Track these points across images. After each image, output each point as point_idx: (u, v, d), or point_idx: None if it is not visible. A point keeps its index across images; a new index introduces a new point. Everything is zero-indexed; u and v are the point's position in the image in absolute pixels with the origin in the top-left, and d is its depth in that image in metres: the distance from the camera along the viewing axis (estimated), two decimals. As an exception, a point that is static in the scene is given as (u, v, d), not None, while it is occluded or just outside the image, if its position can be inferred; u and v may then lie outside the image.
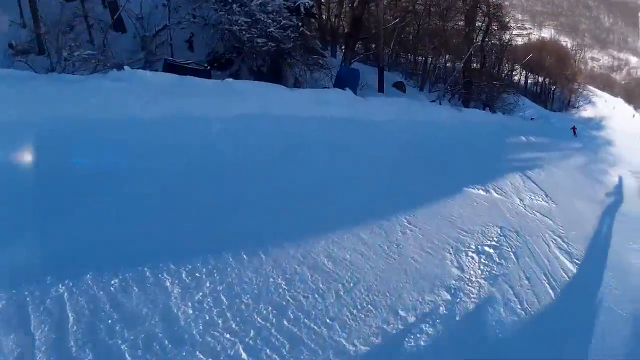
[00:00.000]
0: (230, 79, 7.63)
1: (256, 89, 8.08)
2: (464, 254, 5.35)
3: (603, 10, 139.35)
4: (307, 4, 12.66)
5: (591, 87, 78.82)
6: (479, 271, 5.04)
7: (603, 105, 68.43)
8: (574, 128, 34.05)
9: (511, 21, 31.79)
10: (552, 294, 5.07)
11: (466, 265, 5.08)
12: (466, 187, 8.03)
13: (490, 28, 28.30)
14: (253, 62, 12.26)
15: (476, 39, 27.24)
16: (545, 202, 8.88)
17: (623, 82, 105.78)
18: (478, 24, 27.82)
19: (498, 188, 8.67)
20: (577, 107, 63.85)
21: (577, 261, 6.18)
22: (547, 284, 5.24)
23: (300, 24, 12.53)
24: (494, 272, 5.12)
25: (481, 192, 8.04)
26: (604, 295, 5.45)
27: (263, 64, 12.47)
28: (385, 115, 10.83)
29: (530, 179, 10.62)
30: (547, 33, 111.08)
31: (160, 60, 10.71)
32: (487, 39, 28.77)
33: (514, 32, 32.97)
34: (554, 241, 6.72)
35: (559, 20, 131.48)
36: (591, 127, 44.75)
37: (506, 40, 31.78)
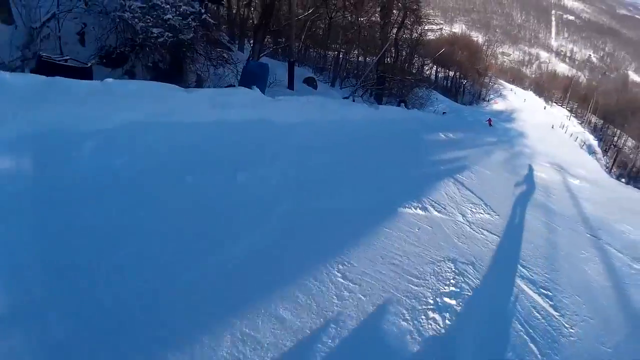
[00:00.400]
0: (111, 80, 5.69)
1: (145, 90, 6.19)
2: (422, 316, 4.01)
3: (515, 7, 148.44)
4: (212, -14, 10.71)
5: (502, 81, 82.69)
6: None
7: (514, 98, 71.85)
8: (489, 120, 34.79)
9: (424, 16, 31.45)
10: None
11: (430, 335, 3.76)
12: (401, 206, 6.76)
13: (405, 22, 27.60)
14: (149, 57, 10.31)
15: (390, 32, 26.42)
16: (488, 214, 7.87)
17: (533, 75, 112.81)
18: (394, 17, 26.96)
19: (435, 202, 7.51)
20: (488, 101, 66.49)
21: (550, 300, 5.09)
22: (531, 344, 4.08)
23: (203, 10, 10.83)
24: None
25: (419, 210, 6.80)
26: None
27: (161, 60, 10.55)
28: (298, 116, 9.41)
29: (463, 185, 9.68)
30: (458, 28, 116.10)
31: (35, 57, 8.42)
32: (402, 33, 28.19)
33: (427, 27, 32.69)
34: (516, 272, 5.62)
35: (471, 16, 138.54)
36: (503, 119, 46.31)
37: (419, 34, 31.46)
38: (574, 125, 47.39)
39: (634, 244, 8.57)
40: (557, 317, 4.80)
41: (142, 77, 9.89)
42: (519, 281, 5.37)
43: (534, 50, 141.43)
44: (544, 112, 62.25)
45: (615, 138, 47.11)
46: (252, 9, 21.03)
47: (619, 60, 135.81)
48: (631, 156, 42.24)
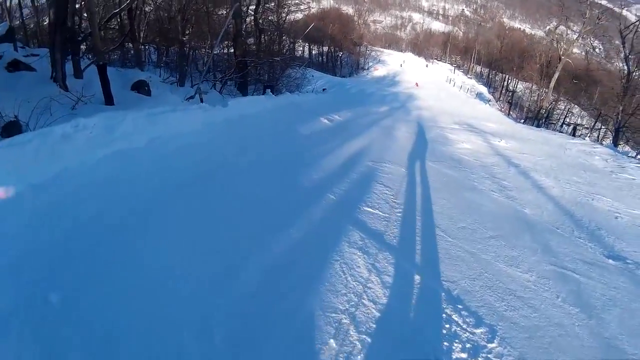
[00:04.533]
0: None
1: None
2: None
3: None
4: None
5: (378, 48, 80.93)
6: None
7: (393, 62, 69.81)
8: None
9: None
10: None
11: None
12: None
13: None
14: None
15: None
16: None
17: (409, 37, 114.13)
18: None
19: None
20: (368, 69, 63.93)
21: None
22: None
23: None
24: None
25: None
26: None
27: None
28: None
29: (370, 222, 5.57)
30: (327, 3, 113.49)
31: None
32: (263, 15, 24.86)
33: (292, 8, 28.78)
34: None
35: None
36: (387, 84, 42.59)
37: (285, 15, 27.28)
38: (461, 79, 45.38)
39: None
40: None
41: None
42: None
43: (405, 14, 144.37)
44: (428, 70, 60.61)
45: (505, 83, 45.82)
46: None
47: (492, 10, 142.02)
48: (524, 97, 40.88)
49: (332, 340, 3.35)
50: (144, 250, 4.15)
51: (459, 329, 3.66)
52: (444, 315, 3.81)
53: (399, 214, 5.77)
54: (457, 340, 3.52)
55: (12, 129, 6.56)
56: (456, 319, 3.78)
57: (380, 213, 5.72)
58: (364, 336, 3.41)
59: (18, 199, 4.46)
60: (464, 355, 3.38)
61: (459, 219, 5.89)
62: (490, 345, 3.51)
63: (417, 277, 4.32)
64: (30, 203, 4.45)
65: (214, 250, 4.33)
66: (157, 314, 3.37)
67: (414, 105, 24.14)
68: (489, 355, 3.40)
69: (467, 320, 3.78)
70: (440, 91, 33.10)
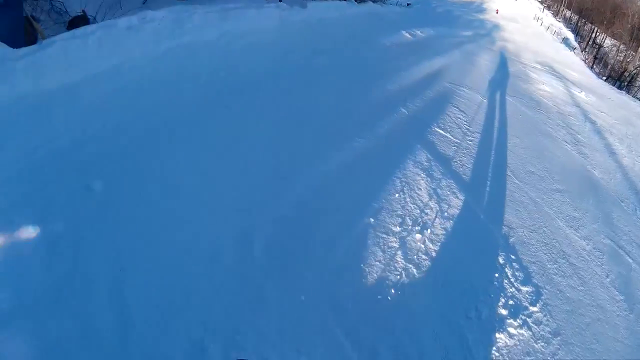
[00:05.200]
0: None
1: None
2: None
3: None
4: None
5: (470, -32, 72.49)
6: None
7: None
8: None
9: None
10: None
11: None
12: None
13: None
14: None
15: None
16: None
17: None
18: None
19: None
20: (454, -12, 57.40)
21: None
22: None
23: None
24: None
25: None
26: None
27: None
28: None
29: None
30: None
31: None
32: None
33: None
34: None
35: None
36: (474, 10, 38.34)
37: None
38: (549, 20, 40.24)
39: None
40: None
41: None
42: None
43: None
44: (516, 4, 53.98)
45: (593, 35, 40.41)
46: None
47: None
48: (610, 55, 36.13)
49: (377, 263, 2.92)
50: (196, 149, 3.74)
51: (506, 281, 3.21)
52: (496, 263, 3.29)
53: (470, 142, 5.15)
54: (502, 294, 3.09)
55: (79, 23, 5.86)
56: (507, 270, 3.35)
57: (452, 137, 5.10)
58: (410, 266, 2.98)
59: (75, 89, 4.00)
60: (504, 312, 2.99)
61: (528, 162, 5.21)
62: (531, 308, 3.12)
63: (476, 215, 3.77)
64: (88, 92, 4.00)
65: (270, 154, 3.88)
66: (198, 215, 3.04)
67: (499, 36, 21.70)
68: (527, 319, 3.04)
69: (516, 274, 3.33)
70: (527, 28, 29.61)
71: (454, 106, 6.18)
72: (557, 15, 51.76)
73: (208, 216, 3.03)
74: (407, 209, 3.61)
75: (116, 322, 2.24)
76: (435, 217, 3.60)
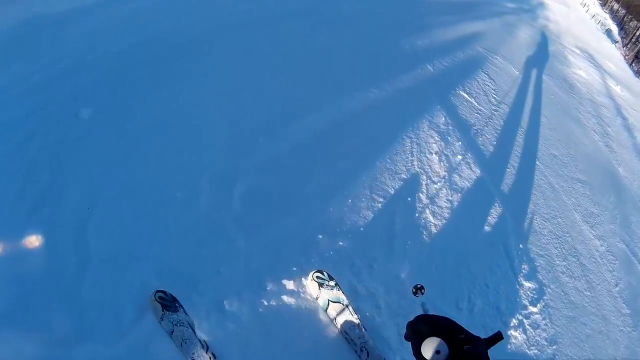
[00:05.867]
0: None
1: None
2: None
3: None
4: None
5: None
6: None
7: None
8: None
9: None
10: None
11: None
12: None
13: None
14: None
15: None
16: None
17: None
18: None
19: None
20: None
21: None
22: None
23: None
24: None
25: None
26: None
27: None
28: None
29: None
30: None
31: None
32: None
33: None
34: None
35: None
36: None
37: None
38: (594, 6, 37.64)
39: None
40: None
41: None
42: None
43: None
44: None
45: (637, 32, 37.83)
46: None
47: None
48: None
49: (366, 231, 2.43)
50: (196, 82, 3.31)
51: (509, 273, 2.72)
52: (500, 250, 2.80)
53: (494, 112, 4.56)
54: (501, 287, 2.61)
55: None
56: (511, 260, 2.80)
57: (475, 103, 4.49)
58: (403, 240, 2.48)
59: (88, 10, 3.68)
60: (499, 308, 2.47)
61: (553, 146, 4.63)
62: (531, 308, 2.68)
63: (488, 192, 3.25)
64: (100, 14, 3.66)
65: (272, 95, 3.42)
66: (183, 146, 2.69)
67: (542, 15, 20.23)
68: (524, 321, 2.60)
69: (521, 266, 2.85)
70: (572, 12, 27.65)
71: (485, 72, 5.49)
72: (605, 5, 48.55)
73: (190, 155, 2.61)
74: (412, 173, 3.10)
75: (75, 260, 1.97)
76: (442, 187, 3.10)
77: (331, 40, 4.55)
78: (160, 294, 1.83)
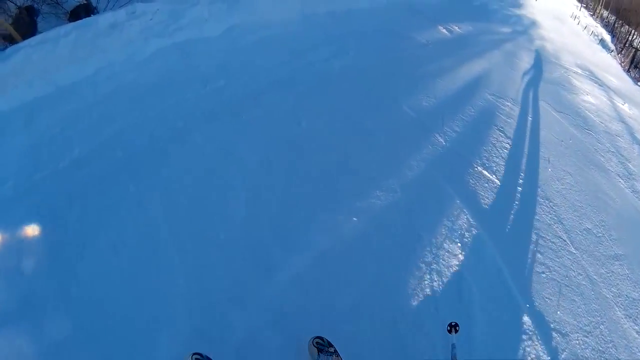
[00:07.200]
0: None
1: None
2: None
3: None
4: None
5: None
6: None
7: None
8: None
9: None
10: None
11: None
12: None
13: None
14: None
15: None
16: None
17: None
18: None
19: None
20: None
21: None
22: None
23: None
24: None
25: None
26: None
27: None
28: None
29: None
30: None
31: None
32: None
33: None
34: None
35: None
36: (510, 4, 35.53)
37: None
38: (585, 17, 36.99)
39: None
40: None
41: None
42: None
43: None
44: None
45: (630, 37, 36.99)
46: None
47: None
48: (649, 58, 33.03)
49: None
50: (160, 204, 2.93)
51: None
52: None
53: (518, 187, 3.85)
54: None
55: (81, 13, 4.74)
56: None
57: (497, 181, 3.83)
58: None
59: (37, 108, 3.32)
60: None
61: (584, 215, 3.99)
62: None
63: (517, 306, 2.64)
64: (50, 113, 3.30)
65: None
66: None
67: (536, 34, 19.73)
68: None
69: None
70: (564, 25, 27.10)
71: (499, 129, 4.87)
72: (594, 14, 47.69)
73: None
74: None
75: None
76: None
77: (316, 124, 3.97)
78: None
